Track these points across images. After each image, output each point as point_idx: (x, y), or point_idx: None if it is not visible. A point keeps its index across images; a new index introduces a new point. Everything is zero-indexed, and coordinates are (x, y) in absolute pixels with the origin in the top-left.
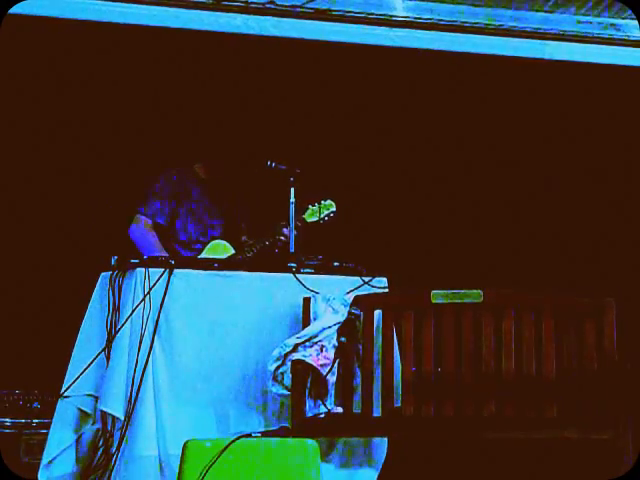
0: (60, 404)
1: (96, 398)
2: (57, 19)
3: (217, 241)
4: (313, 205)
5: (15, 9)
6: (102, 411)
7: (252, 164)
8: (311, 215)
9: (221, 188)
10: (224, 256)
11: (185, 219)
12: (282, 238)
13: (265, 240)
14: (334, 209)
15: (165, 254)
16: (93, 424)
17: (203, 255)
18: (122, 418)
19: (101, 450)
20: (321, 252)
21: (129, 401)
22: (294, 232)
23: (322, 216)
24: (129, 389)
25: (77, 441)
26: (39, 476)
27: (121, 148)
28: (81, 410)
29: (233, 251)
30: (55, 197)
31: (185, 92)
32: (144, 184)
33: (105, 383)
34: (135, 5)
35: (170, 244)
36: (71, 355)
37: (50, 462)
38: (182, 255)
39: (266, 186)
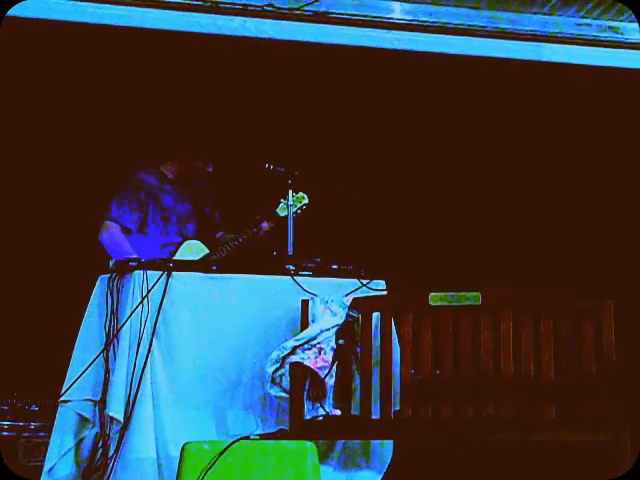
0: (60, 410)
1: (95, 402)
2: (54, 21)
3: (191, 241)
4: (285, 199)
5: (13, 11)
6: (100, 414)
7: (249, 165)
8: (283, 209)
9: (192, 187)
10: (199, 256)
11: (155, 221)
12: (259, 233)
13: (239, 237)
14: (306, 201)
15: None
16: (92, 427)
17: (177, 256)
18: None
19: (100, 452)
20: (319, 254)
21: (127, 403)
22: (268, 227)
23: (295, 209)
24: (128, 392)
25: (77, 444)
26: None
27: (120, 149)
28: (81, 415)
29: (207, 251)
30: (54, 198)
31: (184, 94)
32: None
33: (109, 387)
34: (133, 8)
35: (142, 247)
36: (69, 358)
37: (52, 467)
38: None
39: (242, 182)
